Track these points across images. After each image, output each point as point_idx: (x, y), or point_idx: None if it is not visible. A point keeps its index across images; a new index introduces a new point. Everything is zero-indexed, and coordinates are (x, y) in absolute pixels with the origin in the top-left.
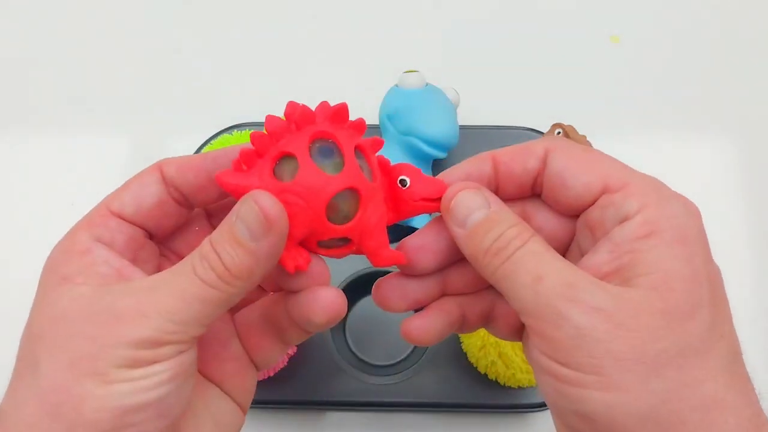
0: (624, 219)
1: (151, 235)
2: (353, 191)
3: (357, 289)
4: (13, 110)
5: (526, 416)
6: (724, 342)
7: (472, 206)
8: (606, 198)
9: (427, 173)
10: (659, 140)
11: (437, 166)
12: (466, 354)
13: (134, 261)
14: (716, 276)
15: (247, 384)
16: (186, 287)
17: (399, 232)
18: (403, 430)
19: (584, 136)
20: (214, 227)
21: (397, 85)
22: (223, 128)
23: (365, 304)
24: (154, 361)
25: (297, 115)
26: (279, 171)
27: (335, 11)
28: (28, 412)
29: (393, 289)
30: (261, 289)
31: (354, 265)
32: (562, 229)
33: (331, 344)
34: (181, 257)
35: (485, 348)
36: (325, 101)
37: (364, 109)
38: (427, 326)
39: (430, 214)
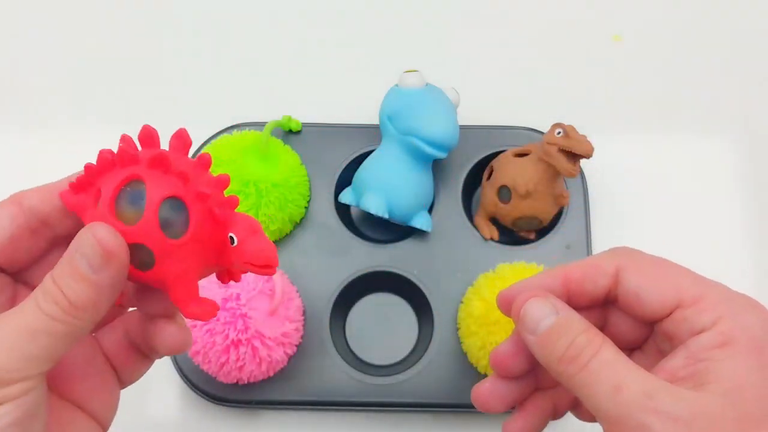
0: (699, 331)
1: (1, 269)
2: (144, 245)
3: (357, 289)
4: (13, 110)
5: None
6: None
7: (540, 314)
8: (680, 313)
9: (427, 173)
10: (660, 140)
11: (437, 165)
12: (466, 354)
13: None
14: None
15: (110, 401)
16: (31, 322)
17: (399, 231)
18: (403, 430)
19: (584, 136)
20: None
21: (397, 85)
22: (223, 128)
23: (365, 304)
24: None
25: (121, 151)
26: (98, 205)
27: (335, 11)
28: None
29: (491, 394)
30: (120, 306)
31: (354, 265)
32: (638, 331)
33: (331, 344)
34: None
35: (485, 348)
36: (181, 130)
37: (364, 109)
38: (526, 426)
39: (430, 214)
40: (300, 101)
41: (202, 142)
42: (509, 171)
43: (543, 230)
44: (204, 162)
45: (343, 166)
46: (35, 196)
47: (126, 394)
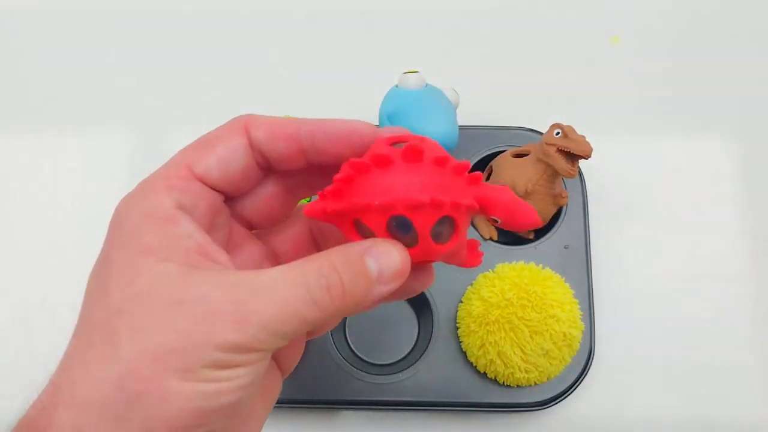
0: None
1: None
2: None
3: None
4: (13, 110)
5: (525, 414)
6: None
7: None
8: None
9: None
10: (659, 140)
11: None
12: (465, 353)
13: (210, 229)
14: None
15: (298, 352)
16: (290, 301)
17: None
18: (403, 429)
19: (584, 136)
20: (286, 190)
21: (397, 86)
22: None
23: None
24: (239, 365)
25: (406, 149)
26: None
27: (336, 11)
28: (105, 393)
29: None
30: None
31: None
32: None
33: (331, 343)
34: (247, 220)
35: (484, 347)
36: (431, 141)
37: (364, 109)
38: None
39: None
40: (300, 101)
41: None
42: (508, 171)
43: (542, 230)
44: (457, 167)
45: None
46: (261, 129)
47: None
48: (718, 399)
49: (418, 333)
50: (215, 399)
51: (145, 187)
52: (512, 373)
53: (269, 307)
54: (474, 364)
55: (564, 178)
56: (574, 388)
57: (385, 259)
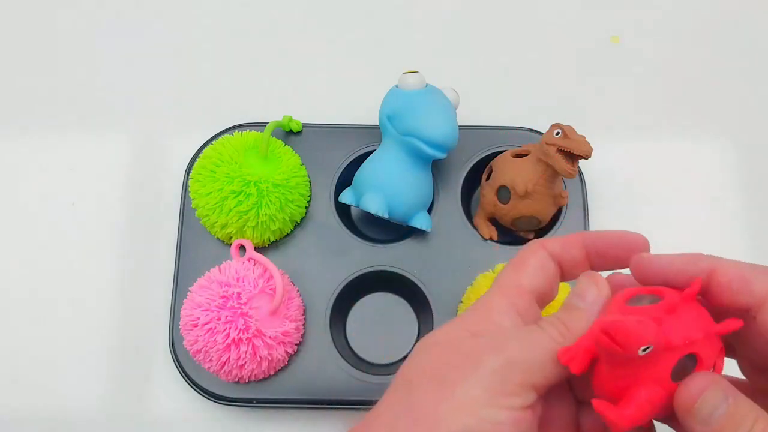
0: None
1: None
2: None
3: (357, 288)
4: (13, 110)
5: None
6: None
7: (715, 403)
8: None
9: (427, 173)
10: (659, 140)
11: (437, 165)
12: None
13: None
14: None
15: None
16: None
17: (399, 231)
18: None
19: (583, 136)
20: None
21: (397, 86)
22: (223, 128)
23: (365, 303)
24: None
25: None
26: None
27: (335, 12)
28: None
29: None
30: None
31: (354, 264)
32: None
33: (331, 343)
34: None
35: None
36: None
37: (364, 110)
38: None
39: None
40: (300, 102)
41: (203, 142)
42: (508, 171)
43: (542, 230)
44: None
45: (343, 166)
46: (557, 244)
47: (128, 393)
48: None
49: (418, 333)
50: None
51: (482, 299)
52: None
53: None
54: None
55: (564, 178)
56: None
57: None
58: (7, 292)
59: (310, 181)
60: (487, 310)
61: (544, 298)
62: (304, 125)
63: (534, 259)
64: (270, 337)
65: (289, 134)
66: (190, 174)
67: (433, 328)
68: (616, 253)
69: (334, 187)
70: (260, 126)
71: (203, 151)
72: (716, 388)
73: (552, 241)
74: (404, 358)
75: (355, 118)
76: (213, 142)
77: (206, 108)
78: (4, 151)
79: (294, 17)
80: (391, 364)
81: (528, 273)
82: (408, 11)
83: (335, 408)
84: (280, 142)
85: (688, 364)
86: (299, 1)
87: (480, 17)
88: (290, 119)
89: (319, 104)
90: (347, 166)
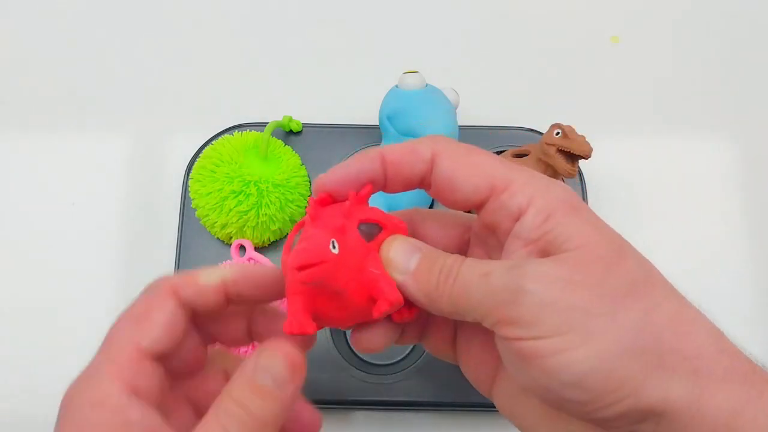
0: (519, 215)
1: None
2: None
3: None
4: (13, 110)
5: None
6: (660, 275)
7: (407, 253)
8: (494, 201)
9: None
10: (659, 140)
11: None
12: None
13: (160, 404)
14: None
15: None
16: None
17: None
18: (403, 429)
19: (583, 136)
20: (202, 340)
21: (397, 86)
22: (223, 128)
23: None
24: None
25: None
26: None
27: (335, 12)
28: None
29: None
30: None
31: None
32: (454, 239)
33: (331, 343)
34: (176, 376)
35: None
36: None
37: (364, 110)
38: (372, 338)
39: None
40: (300, 102)
41: (203, 142)
42: None
43: None
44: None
45: None
46: (189, 289)
47: None
48: None
49: None
50: None
51: (92, 374)
52: None
53: None
54: None
55: (564, 178)
56: None
57: (271, 361)
58: (7, 292)
59: (310, 181)
60: (100, 401)
61: (181, 361)
62: (304, 125)
63: (161, 312)
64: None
65: (289, 134)
66: (190, 174)
67: None
68: (257, 294)
69: None
70: (260, 126)
71: (203, 151)
72: (403, 240)
73: (184, 286)
74: (404, 358)
75: (355, 118)
76: (213, 142)
77: (206, 108)
78: (4, 151)
79: (294, 17)
80: (391, 364)
81: (156, 329)
82: (408, 11)
83: (335, 408)
84: (280, 142)
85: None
86: (299, 1)
87: (480, 17)
88: (290, 119)
89: (319, 104)
90: None
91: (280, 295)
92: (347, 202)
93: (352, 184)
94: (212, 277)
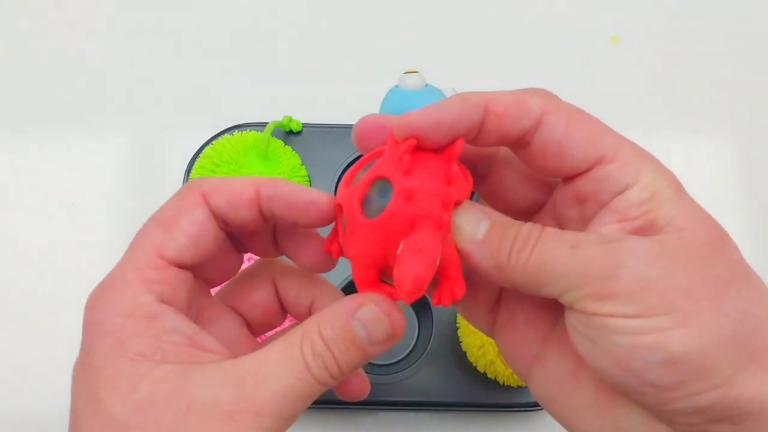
0: (623, 189)
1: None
2: None
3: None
4: (13, 110)
5: (525, 415)
6: (755, 273)
7: (475, 220)
8: (598, 170)
9: None
10: (659, 140)
11: None
12: (465, 353)
13: (190, 312)
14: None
15: None
16: (297, 385)
17: None
18: (403, 429)
19: None
20: (234, 246)
21: (397, 86)
22: (223, 128)
23: None
24: None
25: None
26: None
27: (335, 12)
28: None
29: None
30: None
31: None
32: (532, 194)
33: None
34: (210, 283)
35: (484, 347)
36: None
37: (364, 110)
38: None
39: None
40: (300, 102)
41: (203, 142)
42: None
43: None
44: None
45: (343, 166)
46: (221, 197)
47: None
48: None
49: (418, 333)
50: None
51: (118, 282)
52: (512, 374)
53: (279, 398)
54: (474, 364)
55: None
56: None
57: (371, 318)
58: (6, 292)
59: (310, 181)
60: (131, 311)
61: (215, 270)
62: (304, 125)
63: (190, 218)
64: (269, 336)
65: (289, 134)
66: (190, 174)
67: (433, 328)
68: (293, 217)
69: (334, 187)
70: (260, 126)
71: (203, 151)
72: (471, 205)
73: (215, 193)
74: (404, 357)
75: (355, 118)
76: (213, 142)
77: (206, 108)
78: (4, 151)
79: (294, 17)
80: (392, 364)
81: (181, 236)
82: (408, 11)
83: (335, 407)
84: (280, 142)
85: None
86: (299, 1)
87: (480, 17)
88: (290, 119)
89: (319, 104)
90: (347, 166)
91: (320, 222)
92: (452, 164)
93: (446, 132)
94: (247, 190)
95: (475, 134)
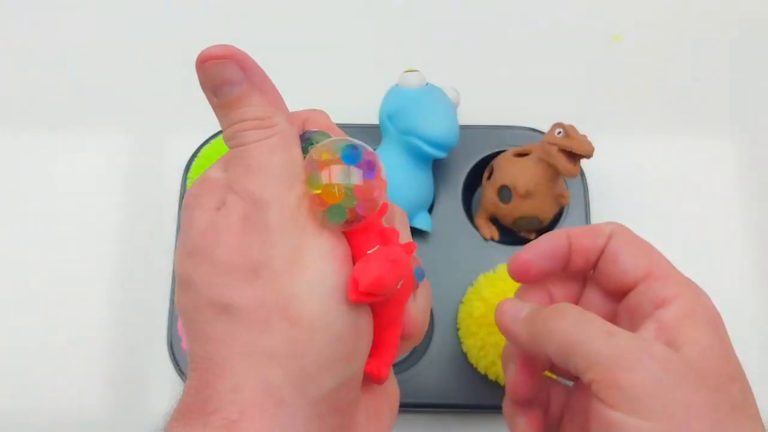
0: (663, 303)
1: None
2: None
3: None
4: (13, 110)
5: None
6: (754, 404)
7: (518, 305)
8: (645, 285)
9: (427, 173)
10: (661, 139)
11: (437, 165)
12: (466, 354)
13: None
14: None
15: None
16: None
17: None
18: (403, 430)
19: (585, 136)
20: None
21: (397, 85)
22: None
23: None
24: None
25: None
26: None
27: (335, 11)
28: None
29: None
30: None
31: None
32: (607, 307)
33: None
34: None
35: (485, 348)
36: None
37: (364, 109)
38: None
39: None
40: (300, 102)
41: (201, 142)
42: (509, 171)
43: (543, 230)
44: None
45: None
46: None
47: (125, 393)
48: None
49: None
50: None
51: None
52: None
53: None
54: (475, 366)
55: (566, 178)
56: None
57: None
58: (6, 291)
59: None
60: None
61: None
62: None
63: None
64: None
65: None
66: (188, 174)
67: (433, 329)
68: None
69: None
70: None
71: (201, 151)
72: (513, 299)
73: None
74: (404, 359)
75: (355, 118)
76: (211, 142)
77: (205, 108)
78: (4, 150)
79: (293, 17)
80: (392, 365)
81: None
82: (408, 10)
83: None
84: None
85: None
86: (299, 1)
87: (480, 16)
88: None
89: (319, 104)
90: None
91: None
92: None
93: (547, 258)
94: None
95: (567, 256)
